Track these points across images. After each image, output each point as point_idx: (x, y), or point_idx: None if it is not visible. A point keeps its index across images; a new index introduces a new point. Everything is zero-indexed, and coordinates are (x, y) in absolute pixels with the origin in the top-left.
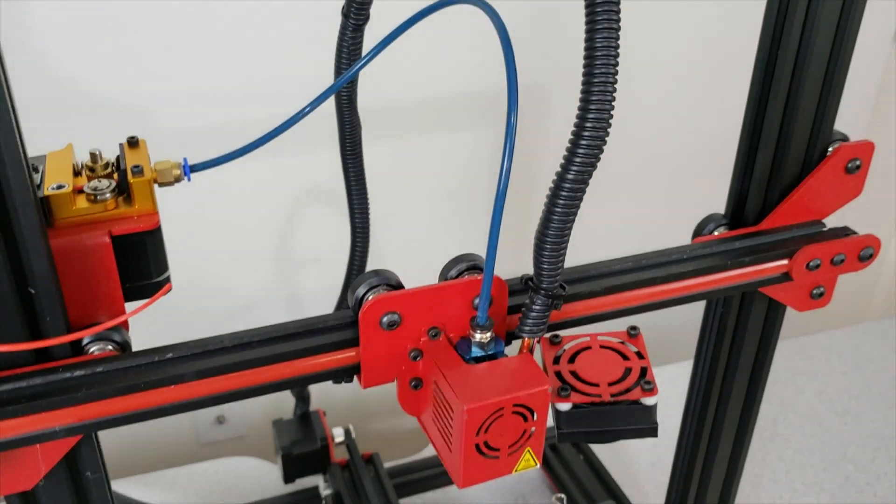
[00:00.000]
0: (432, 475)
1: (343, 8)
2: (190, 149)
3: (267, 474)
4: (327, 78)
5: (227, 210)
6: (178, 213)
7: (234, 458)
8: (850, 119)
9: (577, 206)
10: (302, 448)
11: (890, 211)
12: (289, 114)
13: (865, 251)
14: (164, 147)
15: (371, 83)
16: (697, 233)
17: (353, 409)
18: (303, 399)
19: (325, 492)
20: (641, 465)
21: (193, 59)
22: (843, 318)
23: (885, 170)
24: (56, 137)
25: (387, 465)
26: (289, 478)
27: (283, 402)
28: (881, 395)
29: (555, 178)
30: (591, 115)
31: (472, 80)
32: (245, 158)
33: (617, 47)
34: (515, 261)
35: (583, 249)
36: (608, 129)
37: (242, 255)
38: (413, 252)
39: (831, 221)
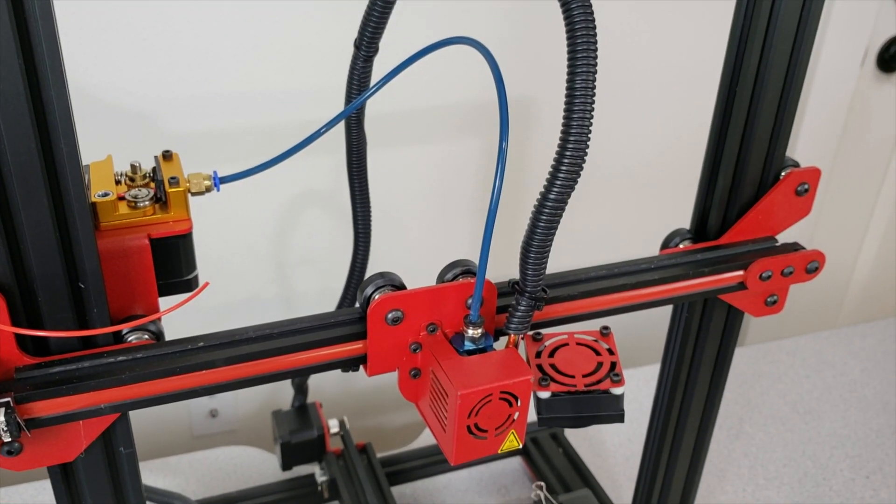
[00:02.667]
0: (421, 465)
1: (355, 41)
2: (192, 154)
3: (264, 462)
4: (327, 89)
5: (223, 211)
6: None
7: (233, 447)
8: (822, 139)
9: (558, 221)
10: (300, 437)
11: (858, 227)
12: (287, 122)
13: (811, 264)
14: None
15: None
16: (665, 245)
17: (345, 405)
18: (301, 391)
19: (321, 479)
20: (616, 460)
21: (197, 67)
22: (812, 328)
23: (854, 188)
24: None
25: (379, 455)
26: (287, 465)
27: (274, 399)
28: (840, 398)
29: (538, 196)
30: (570, 146)
31: (461, 92)
32: (244, 162)
33: (594, 87)
34: (504, 262)
35: (565, 256)
36: (584, 159)
37: (238, 255)
38: (406, 255)
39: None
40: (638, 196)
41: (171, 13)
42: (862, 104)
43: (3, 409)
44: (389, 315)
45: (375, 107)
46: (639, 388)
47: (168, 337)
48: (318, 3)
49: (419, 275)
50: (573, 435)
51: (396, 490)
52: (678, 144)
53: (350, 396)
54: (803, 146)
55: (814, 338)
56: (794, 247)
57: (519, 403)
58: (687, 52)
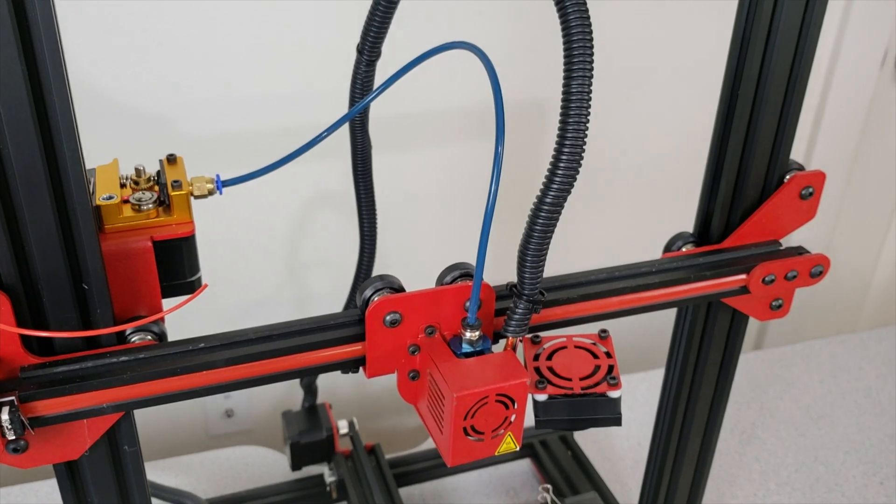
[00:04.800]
0: (430, 466)
1: (358, 45)
2: (206, 156)
3: (275, 462)
4: (336, 92)
5: (238, 213)
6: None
7: (245, 447)
8: (840, 142)
9: (555, 225)
10: (309, 438)
11: (878, 230)
12: (299, 124)
13: (816, 268)
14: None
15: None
16: (667, 249)
17: (357, 406)
18: (311, 392)
19: (329, 479)
20: (626, 463)
21: (208, 71)
22: (832, 332)
23: (873, 191)
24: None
25: (387, 456)
26: (296, 465)
27: (289, 400)
28: (854, 403)
29: (535, 200)
30: (566, 149)
31: (472, 94)
32: (254, 165)
33: (590, 90)
34: (513, 265)
35: (567, 259)
36: (581, 162)
37: (253, 256)
38: (414, 258)
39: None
40: (643, 199)
41: (182, 18)
42: (881, 107)
43: (7, 408)
44: (388, 317)
45: (386, 110)
46: (650, 392)
47: (180, 336)
48: (332, 6)
49: (428, 278)
50: (582, 438)
51: (404, 491)
52: (683, 147)
53: (363, 398)
54: (821, 149)
55: (829, 342)
56: (798, 250)
57: (515, 406)
58: (693, 55)
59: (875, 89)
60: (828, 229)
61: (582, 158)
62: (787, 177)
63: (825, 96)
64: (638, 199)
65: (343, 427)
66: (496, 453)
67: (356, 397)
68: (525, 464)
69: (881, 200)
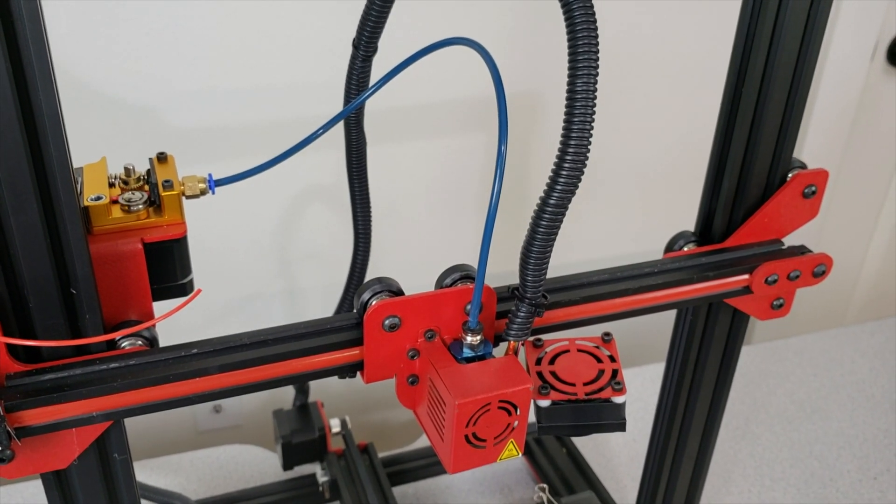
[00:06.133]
0: (424, 465)
1: (354, 40)
2: (195, 149)
3: (266, 461)
4: (328, 86)
5: (228, 207)
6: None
7: (235, 446)
8: (830, 135)
9: (558, 227)
10: (301, 437)
11: (867, 223)
12: (291, 118)
13: (818, 268)
14: (163, 148)
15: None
16: (669, 248)
17: (349, 401)
18: (302, 391)
19: (322, 479)
20: (621, 460)
21: (199, 62)
22: (820, 326)
23: (862, 184)
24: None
25: (381, 454)
26: (288, 465)
27: (279, 393)
28: (848, 397)
29: (538, 202)
30: (570, 150)
31: (466, 87)
32: (251, 157)
33: (595, 89)
34: (509, 258)
35: (570, 253)
36: (585, 163)
37: (242, 250)
38: (411, 256)
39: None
40: (643, 197)
41: (171, 10)
42: (871, 99)
43: None
44: (386, 321)
45: (380, 102)
46: (644, 387)
47: (170, 333)
48: None
49: (423, 273)
50: None
51: (398, 490)
52: (683, 145)
53: (354, 392)
54: (811, 142)
55: (821, 336)
56: (801, 250)
57: (518, 412)
58: (695, 50)
59: (865, 82)
60: (817, 222)
61: (587, 159)
62: (790, 175)
63: (815, 89)
64: (638, 198)
65: (335, 426)
66: (498, 460)
67: (348, 392)
68: (519, 461)
69: (871, 193)
